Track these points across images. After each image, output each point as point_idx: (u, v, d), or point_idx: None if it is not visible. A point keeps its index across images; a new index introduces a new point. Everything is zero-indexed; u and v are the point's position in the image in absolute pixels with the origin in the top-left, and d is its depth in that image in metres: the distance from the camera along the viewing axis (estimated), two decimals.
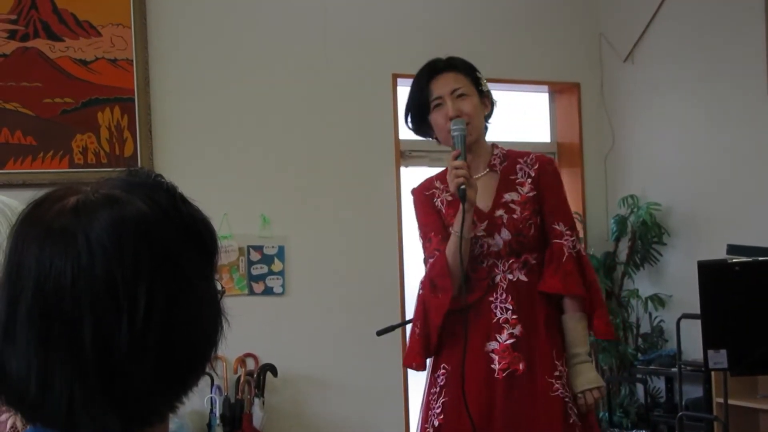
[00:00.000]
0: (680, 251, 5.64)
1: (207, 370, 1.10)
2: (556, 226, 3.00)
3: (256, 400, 4.83)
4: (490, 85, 5.91)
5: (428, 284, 3.03)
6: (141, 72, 4.83)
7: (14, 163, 4.64)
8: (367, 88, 5.40)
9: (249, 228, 5.06)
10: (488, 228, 2.98)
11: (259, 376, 4.88)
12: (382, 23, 5.49)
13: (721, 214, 5.35)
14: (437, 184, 3.15)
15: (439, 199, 3.12)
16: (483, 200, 3.00)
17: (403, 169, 5.51)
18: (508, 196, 3.01)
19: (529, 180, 3.02)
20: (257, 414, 4.82)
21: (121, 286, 0.97)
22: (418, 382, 5.48)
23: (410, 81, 5.61)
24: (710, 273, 2.89)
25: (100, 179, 1.07)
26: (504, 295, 2.97)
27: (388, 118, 5.45)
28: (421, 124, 3.15)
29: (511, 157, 3.09)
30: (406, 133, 5.51)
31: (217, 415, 4.77)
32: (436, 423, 2.99)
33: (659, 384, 5.75)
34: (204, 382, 4.75)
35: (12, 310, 0.99)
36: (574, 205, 6.06)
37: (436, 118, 3.05)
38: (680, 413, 4.88)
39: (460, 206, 2.89)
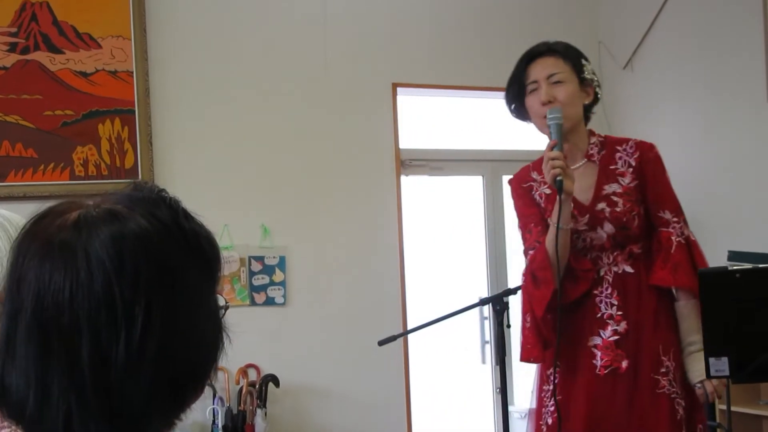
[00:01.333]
0: None
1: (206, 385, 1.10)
2: (662, 215, 2.95)
3: (259, 411, 4.83)
4: (491, 94, 5.92)
5: (530, 277, 2.97)
6: (141, 83, 4.84)
7: (15, 175, 4.65)
8: (367, 97, 5.41)
9: (250, 238, 5.06)
10: (590, 221, 2.92)
11: (261, 387, 4.87)
12: (382, 33, 5.49)
13: (722, 221, 5.35)
14: (534, 175, 3.08)
15: (537, 193, 3.06)
16: (583, 192, 2.94)
17: (403, 178, 5.51)
18: (609, 188, 2.95)
19: (630, 169, 2.95)
20: (259, 425, 4.81)
21: (119, 302, 0.97)
22: (420, 392, 5.48)
23: (410, 90, 5.69)
24: (710, 281, 2.89)
25: (105, 193, 1.08)
26: (609, 290, 2.93)
27: (388, 128, 5.45)
28: (519, 108, 3.07)
29: (609, 145, 3.01)
30: (406, 142, 5.54)
31: (220, 426, 4.77)
32: (550, 421, 2.97)
33: None
34: (206, 393, 4.74)
35: (12, 325, 1.00)
36: None
37: (531, 102, 2.98)
38: None
39: (557, 197, 2.83)
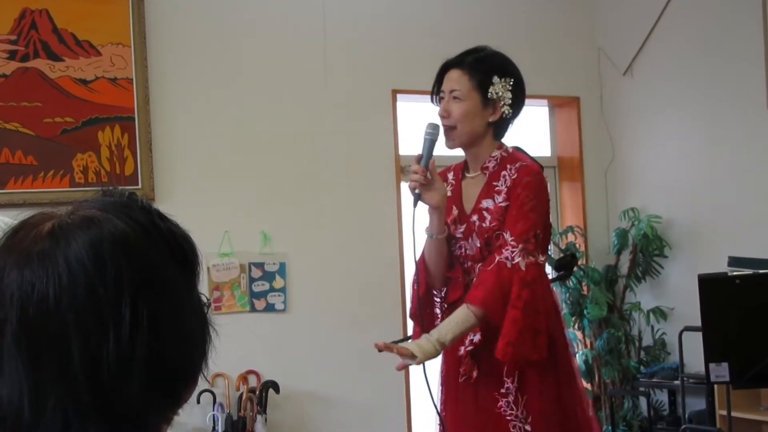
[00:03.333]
0: (681, 264, 5.64)
1: (201, 382, 1.10)
2: (504, 235, 2.90)
3: (259, 417, 4.83)
4: None
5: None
6: (141, 91, 4.84)
7: (15, 182, 4.65)
8: (367, 104, 5.42)
9: (250, 245, 5.06)
10: (465, 232, 3.02)
11: (261, 393, 4.87)
12: (382, 39, 5.50)
13: (722, 226, 5.35)
14: (449, 175, 3.18)
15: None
16: (468, 202, 3.05)
17: (403, 185, 5.52)
18: (485, 203, 3.00)
19: (505, 189, 2.96)
20: (260, 431, 4.81)
21: (104, 304, 0.97)
22: (421, 398, 5.48)
23: (410, 97, 5.69)
24: (710, 286, 2.89)
25: (76, 202, 1.08)
26: None
27: (388, 134, 5.46)
28: None
29: (504, 162, 3.03)
30: (406, 148, 5.55)
31: None
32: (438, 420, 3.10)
33: (662, 397, 5.75)
34: (206, 399, 4.75)
35: None
36: (575, 218, 6.08)
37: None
38: (683, 426, 4.87)
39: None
